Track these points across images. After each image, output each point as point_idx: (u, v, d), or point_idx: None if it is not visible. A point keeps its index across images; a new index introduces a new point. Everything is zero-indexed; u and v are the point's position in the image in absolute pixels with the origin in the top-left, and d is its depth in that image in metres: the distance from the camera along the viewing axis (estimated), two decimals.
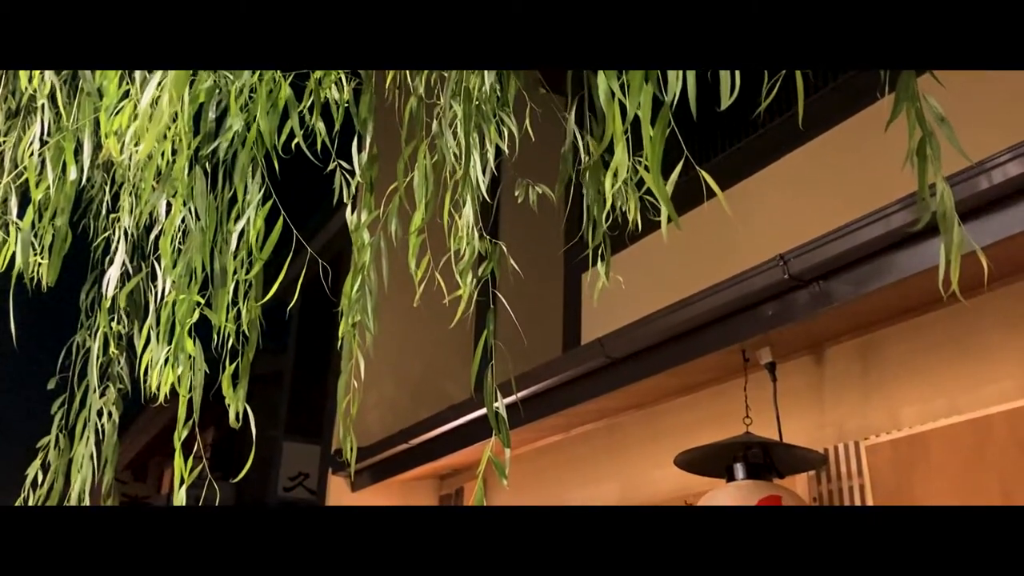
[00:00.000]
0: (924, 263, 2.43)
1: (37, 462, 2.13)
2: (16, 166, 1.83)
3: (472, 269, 1.63)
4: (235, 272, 1.57)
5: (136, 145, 1.47)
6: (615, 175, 1.48)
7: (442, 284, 1.66)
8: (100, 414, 2.05)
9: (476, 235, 1.64)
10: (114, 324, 1.91)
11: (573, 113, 1.73)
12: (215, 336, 1.59)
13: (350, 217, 1.78)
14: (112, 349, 1.93)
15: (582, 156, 1.74)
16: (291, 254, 1.60)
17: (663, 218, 1.44)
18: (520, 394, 3.75)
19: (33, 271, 1.74)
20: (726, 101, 1.35)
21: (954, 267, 1.42)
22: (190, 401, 1.59)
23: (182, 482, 1.58)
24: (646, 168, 1.43)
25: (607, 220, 1.70)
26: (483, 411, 4.26)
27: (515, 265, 1.75)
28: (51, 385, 2.15)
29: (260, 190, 1.56)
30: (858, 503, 2.97)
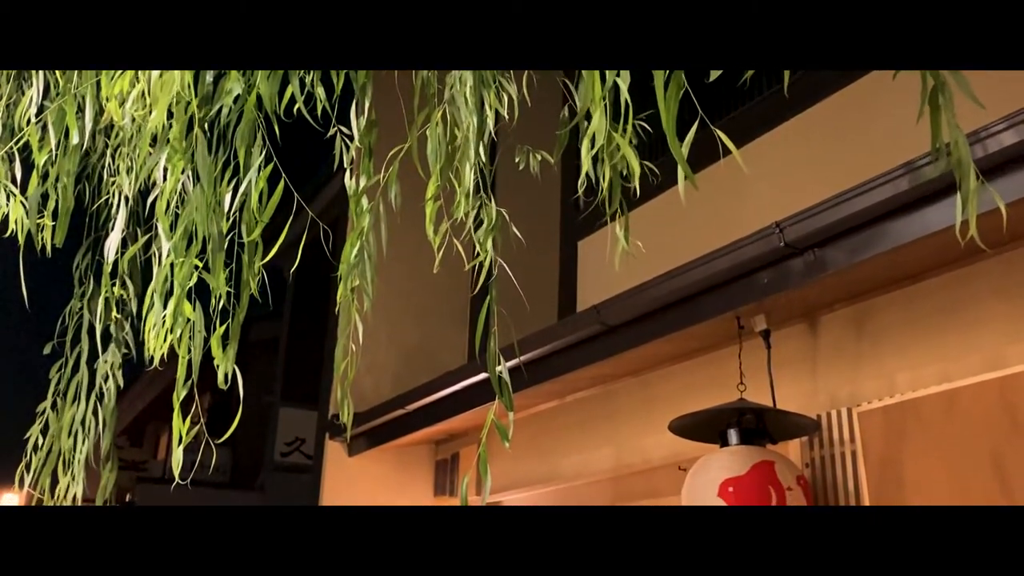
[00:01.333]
0: (918, 231, 2.45)
1: (36, 426, 2.14)
2: (13, 131, 1.83)
3: (480, 235, 1.64)
4: (232, 232, 1.58)
5: (139, 110, 1.48)
6: (592, 142, 1.50)
7: (461, 250, 1.67)
8: (106, 379, 2.06)
9: (480, 202, 1.65)
10: (116, 288, 1.92)
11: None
12: (212, 300, 1.60)
13: (349, 183, 1.79)
14: (114, 314, 1.94)
15: (581, 123, 1.75)
16: (291, 217, 1.61)
17: (680, 178, 1.45)
18: (518, 359, 3.78)
19: (39, 235, 1.75)
20: (715, 73, 1.36)
21: (971, 214, 1.42)
22: (189, 362, 1.60)
23: (180, 441, 1.60)
24: (637, 135, 1.44)
25: (609, 186, 1.71)
26: (480, 377, 4.29)
27: (517, 232, 1.76)
28: (47, 350, 2.16)
29: (261, 153, 1.57)
30: (850, 469, 3.02)
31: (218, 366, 1.63)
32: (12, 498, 13.22)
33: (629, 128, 1.49)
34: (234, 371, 1.64)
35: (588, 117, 1.52)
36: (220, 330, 1.62)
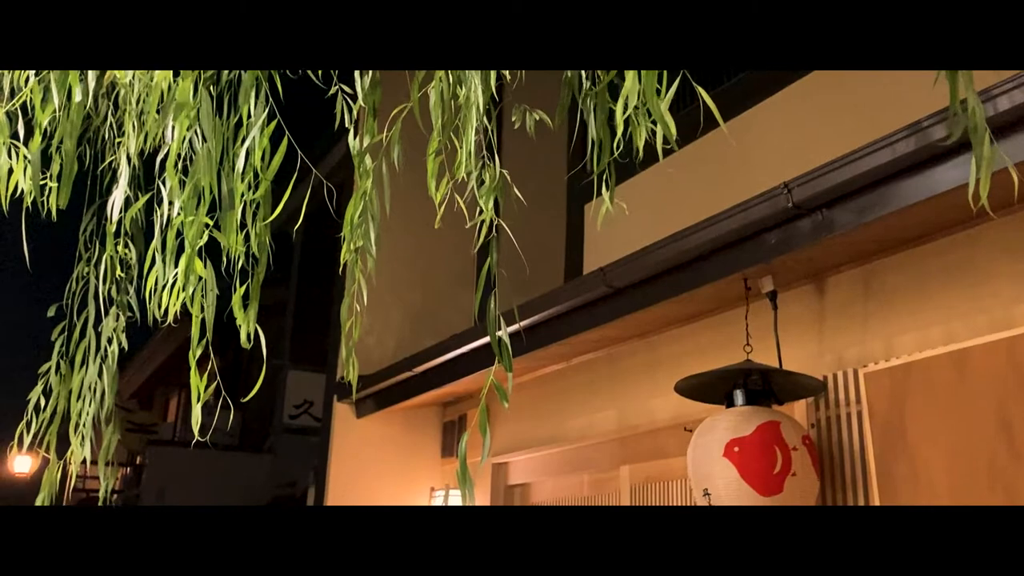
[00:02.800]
0: (926, 192, 2.44)
1: (39, 387, 2.16)
2: (15, 91, 1.83)
3: (481, 194, 1.63)
4: (243, 193, 1.58)
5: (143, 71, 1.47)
6: (626, 102, 1.48)
7: (463, 207, 1.66)
8: (109, 341, 2.07)
9: (483, 162, 1.64)
10: (120, 248, 1.92)
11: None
12: (223, 259, 1.60)
13: (352, 142, 1.78)
14: (119, 272, 1.95)
15: (584, 82, 1.73)
16: (295, 174, 1.61)
17: (659, 140, 1.45)
18: (522, 323, 3.79)
19: (42, 197, 1.74)
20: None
21: (984, 181, 1.42)
22: (203, 321, 1.61)
23: (199, 398, 1.61)
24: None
25: (618, 148, 1.70)
26: (485, 340, 4.30)
27: (519, 193, 1.75)
28: (51, 313, 2.17)
29: (265, 111, 1.56)
30: (855, 429, 3.02)
31: (240, 326, 1.63)
32: (26, 460, 13.37)
33: (664, 89, 1.47)
34: (256, 330, 1.65)
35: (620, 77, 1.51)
36: (240, 290, 1.63)
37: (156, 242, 1.66)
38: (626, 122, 1.56)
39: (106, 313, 2.11)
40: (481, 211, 1.62)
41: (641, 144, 1.66)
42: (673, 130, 1.49)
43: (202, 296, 1.60)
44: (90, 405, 2.10)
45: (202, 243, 1.58)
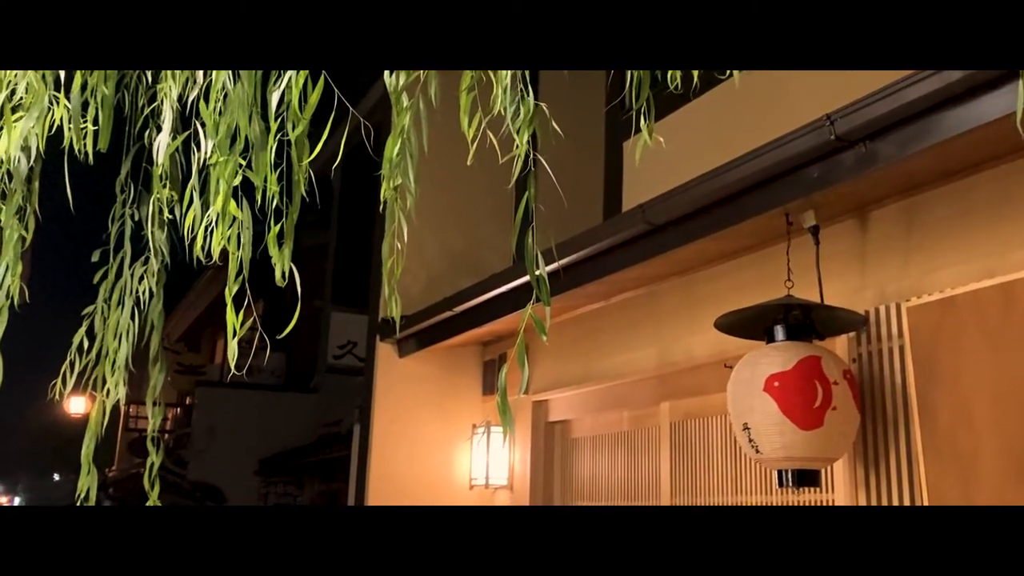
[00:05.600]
0: (972, 122, 2.38)
1: (82, 329, 2.20)
2: None
3: (515, 126, 1.63)
4: (280, 132, 1.59)
5: None
6: None
7: (495, 142, 1.65)
8: (141, 279, 2.11)
9: (518, 95, 1.63)
10: (166, 190, 1.94)
11: None
12: (258, 199, 1.62)
13: (389, 79, 1.78)
14: (166, 215, 1.98)
15: None
16: (332, 112, 1.61)
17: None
18: (561, 262, 3.79)
19: (81, 142, 1.77)
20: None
21: None
22: (240, 259, 1.63)
23: (235, 334, 1.64)
24: None
25: (652, 84, 1.68)
26: (524, 279, 4.31)
27: (556, 127, 1.74)
28: (95, 258, 2.21)
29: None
30: (897, 364, 3.01)
31: (275, 264, 1.66)
32: (80, 401, 13.76)
33: None
34: (291, 269, 1.67)
35: None
36: (275, 229, 1.65)
37: (194, 181, 1.68)
38: None
39: (146, 254, 2.15)
40: (519, 145, 1.62)
41: (679, 77, 1.64)
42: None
43: (238, 234, 1.62)
44: (124, 346, 2.14)
45: (236, 182, 1.59)
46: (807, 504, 3.43)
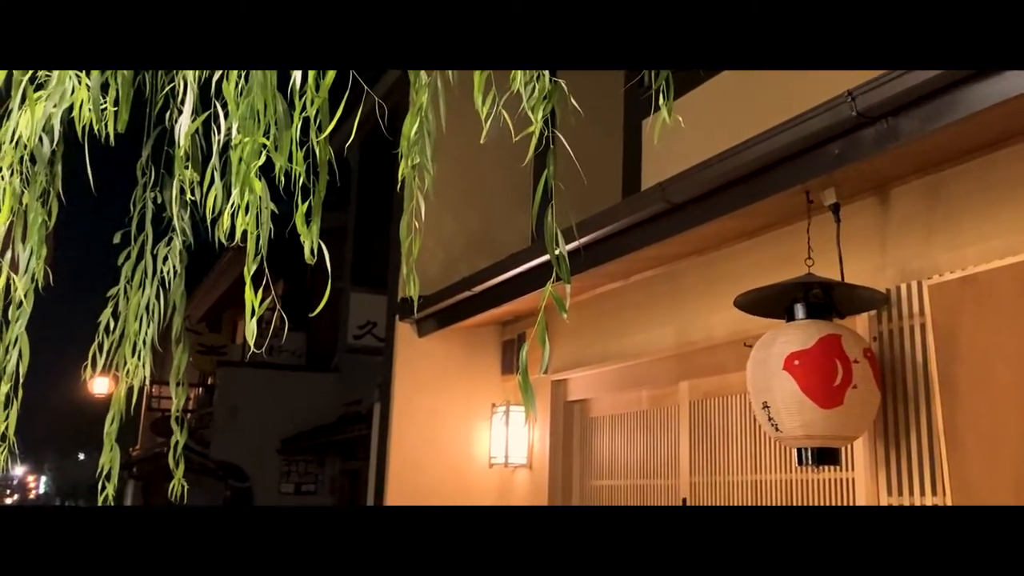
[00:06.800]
0: (995, 97, 2.35)
1: (108, 310, 2.23)
2: None
3: (531, 103, 1.62)
4: (302, 112, 1.59)
5: None
6: None
7: (508, 120, 1.65)
8: (165, 260, 2.12)
9: (536, 73, 1.62)
10: (188, 171, 1.95)
11: None
12: (281, 178, 1.62)
13: None
14: (188, 196, 1.99)
15: None
16: (347, 92, 1.61)
17: None
18: (580, 240, 3.78)
19: (102, 123, 1.78)
20: None
21: None
22: (258, 238, 1.64)
23: (252, 313, 1.65)
24: None
25: None
26: (543, 258, 4.31)
27: (575, 104, 1.74)
28: (116, 239, 2.23)
29: None
30: (919, 342, 2.99)
31: (303, 242, 1.67)
32: (103, 381, 13.89)
33: None
34: (320, 245, 1.68)
35: None
36: (303, 207, 1.66)
37: (215, 161, 1.69)
38: None
39: (167, 235, 2.16)
40: (536, 122, 1.61)
41: None
42: None
43: (257, 214, 1.63)
44: (147, 326, 2.16)
45: (259, 163, 1.60)
46: (826, 481, 3.43)
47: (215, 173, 1.70)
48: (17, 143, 1.84)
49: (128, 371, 2.18)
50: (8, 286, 2.11)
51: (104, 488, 2.24)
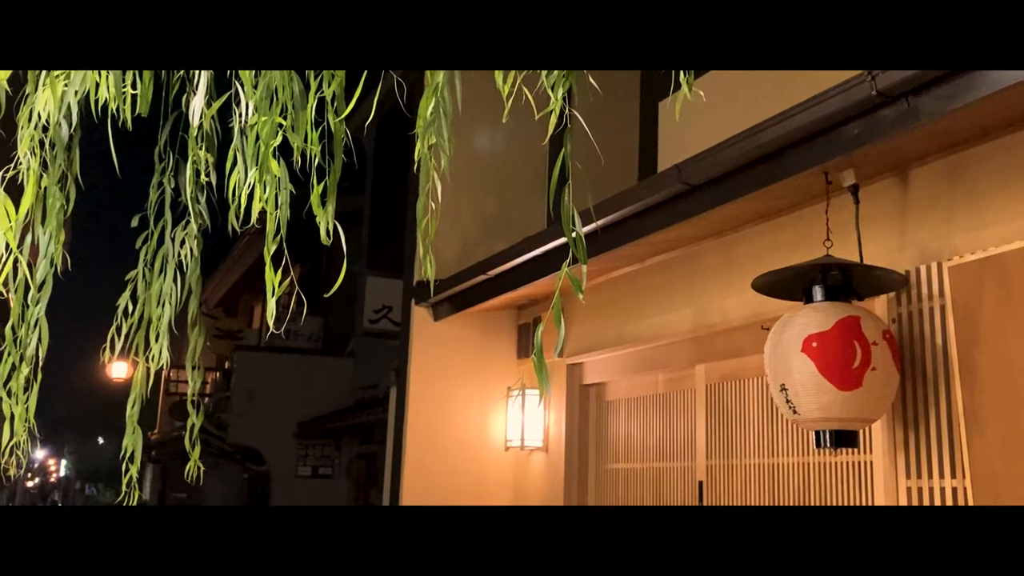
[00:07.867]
0: (1014, 78, 2.32)
1: (126, 293, 2.24)
2: None
3: (549, 81, 1.61)
4: (318, 92, 1.59)
5: None
6: None
7: (531, 100, 1.64)
8: (182, 243, 2.13)
9: None
10: (202, 153, 1.95)
11: None
12: (299, 158, 1.62)
13: None
14: (203, 177, 1.99)
15: None
16: (365, 72, 1.61)
17: None
18: (596, 223, 3.77)
19: (122, 109, 1.78)
20: None
21: None
22: (277, 219, 1.65)
23: (273, 292, 1.66)
24: None
25: None
26: (559, 241, 4.30)
27: (593, 82, 1.72)
28: (134, 223, 2.24)
29: None
30: (938, 324, 2.97)
31: (319, 222, 1.67)
32: (122, 366, 14.00)
33: None
34: (336, 226, 1.68)
35: None
36: (318, 188, 1.66)
37: (236, 142, 1.69)
38: None
39: (184, 218, 2.17)
40: (555, 101, 1.60)
41: None
42: None
43: (276, 194, 1.63)
44: (166, 310, 2.18)
45: (276, 143, 1.60)
46: (844, 464, 3.42)
47: (237, 154, 1.70)
48: (36, 125, 1.85)
49: (152, 356, 2.20)
50: (28, 270, 2.12)
51: (127, 470, 2.26)
